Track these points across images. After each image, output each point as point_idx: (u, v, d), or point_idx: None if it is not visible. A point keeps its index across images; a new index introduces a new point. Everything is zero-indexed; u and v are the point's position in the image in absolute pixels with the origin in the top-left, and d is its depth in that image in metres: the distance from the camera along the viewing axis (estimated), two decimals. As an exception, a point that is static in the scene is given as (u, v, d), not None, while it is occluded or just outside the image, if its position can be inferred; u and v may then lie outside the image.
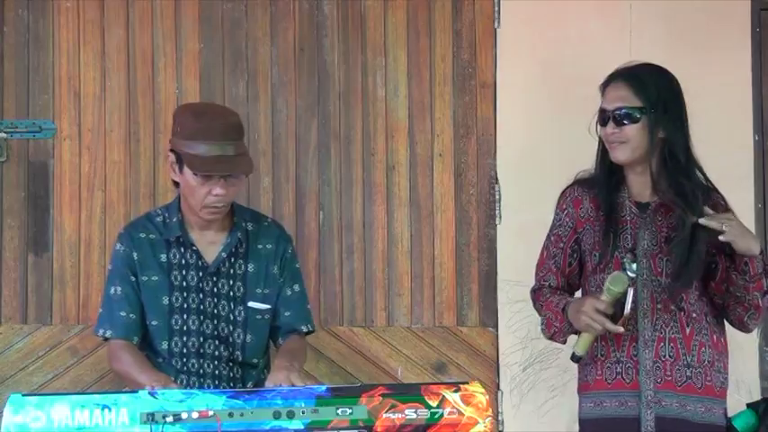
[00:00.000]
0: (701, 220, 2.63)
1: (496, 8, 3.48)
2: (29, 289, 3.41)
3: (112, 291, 2.77)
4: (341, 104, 3.46)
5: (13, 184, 3.43)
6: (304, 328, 2.82)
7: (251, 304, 2.77)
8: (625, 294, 2.60)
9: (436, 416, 2.15)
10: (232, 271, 2.78)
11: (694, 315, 2.72)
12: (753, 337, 3.45)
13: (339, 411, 2.14)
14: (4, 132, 3.43)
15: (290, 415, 2.12)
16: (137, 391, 2.15)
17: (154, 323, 2.76)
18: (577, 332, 2.72)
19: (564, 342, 2.83)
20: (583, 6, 3.50)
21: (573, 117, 3.41)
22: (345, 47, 3.48)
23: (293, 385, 2.39)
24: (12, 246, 3.42)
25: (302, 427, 2.13)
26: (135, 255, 2.77)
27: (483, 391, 2.21)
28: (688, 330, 2.72)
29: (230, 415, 2.11)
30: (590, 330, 2.64)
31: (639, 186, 2.80)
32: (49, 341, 3.38)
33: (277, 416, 2.12)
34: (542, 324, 2.81)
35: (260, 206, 3.32)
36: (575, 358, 2.71)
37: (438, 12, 3.49)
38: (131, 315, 2.75)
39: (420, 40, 3.49)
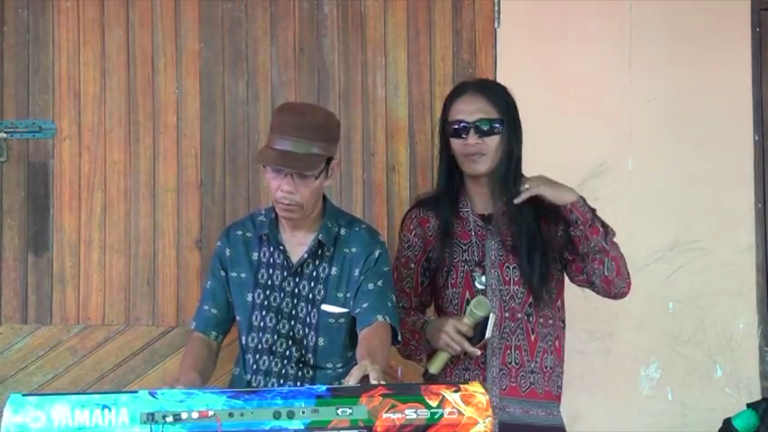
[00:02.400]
0: (516, 200, 2.71)
1: (496, 8, 3.48)
2: (29, 289, 3.41)
3: (207, 285, 2.86)
4: (341, 104, 3.46)
5: (13, 184, 3.44)
6: (380, 318, 2.66)
7: (324, 307, 2.75)
8: (487, 318, 2.69)
9: (436, 416, 2.15)
10: (315, 273, 2.76)
11: (541, 320, 2.81)
12: (753, 337, 3.46)
13: (339, 411, 2.14)
14: (4, 132, 3.43)
15: (290, 415, 2.12)
16: (137, 392, 2.15)
17: (238, 318, 2.82)
18: (434, 351, 2.79)
19: (420, 360, 2.91)
20: (583, 6, 3.50)
21: (572, 117, 3.43)
22: (345, 47, 3.48)
23: (367, 378, 2.30)
24: (12, 246, 3.42)
25: (302, 427, 2.12)
26: (228, 251, 2.82)
27: (483, 391, 2.20)
28: (533, 337, 2.81)
29: (230, 415, 2.11)
30: (448, 350, 2.73)
31: (482, 198, 2.87)
32: (49, 341, 3.39)
33: (277, 416, 2.12)
34: (399, 343, 2.84)
35: (260, 206, 3.31)
36: (427, 376, 2.78)
37: (438, 12, 3.49)
38: (213, 310, 2.82)
39: (420, 40, 3.49)
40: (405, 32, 3.49)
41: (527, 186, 2.70)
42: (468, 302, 2.76)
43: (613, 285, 2.79)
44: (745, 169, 3.49)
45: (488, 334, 2.69)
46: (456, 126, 2.80)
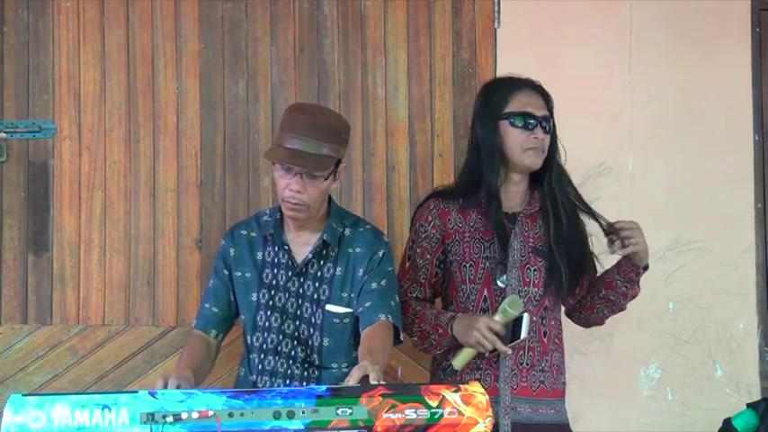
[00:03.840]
0: (620, 252, 2.77)
1: (496, 8, 3.48)
2: (29, 289, 3.41)
3: (209, 284, 2.88)
4: (341, 104, 3.46)
5: (13, 184, 3.43)
6: (383, 317, 2.68)
7: (328, 307, 2.76)
8: (519, 318, 2.67)
9: (436, 416, 2.15)
10: (320, 273, 2.77)
11: (552, 323, 2.84)
12: (753, 337, 3.46)
13: (339, 411, 2.14)
14: (4, 132, 3.43)
15: (290, 415, 2.12)
16: (137, 392, 2.15)
17: (243, 317, 2.83)
18: (458, 346, 2.78)
19: (439, 354, 2.87)
20: (582, 6, 3.50)
21: (572, 117, 3.42)
22: (345, 47, 3.48)
23: (367, 378, 2.30)
24: (12, 246, 3.42)
25: (302, 427, 2.12)
26: (232, 251, 2.84)
27: (483, 391, 2.21)
28: (545, 339, 2.82)
29: (230, 415, 2.11)
30: (478, 347, 2.71)
31: (510, 197, 2.87)
32: (49, 341, 3.38)
33: (277, 416, 2.12)
34: (416, 336, 2.85)
35: (260, 206, 3.32)
36: (449, 371, 2.78)
37: (438, 12, 3.49)
38: (214, 308, 2.83)
39: (420, 40, 3.49)
40: (405, 32, 3.49)
41: (633, 240, 2.75)
42: (485, 299, 2.77)
43: (600, 323, 2.96)
44: (745, 169, 3.49)
45: (524, 334, 2.67)
46: (522, 119, 2.80)
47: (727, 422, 2.95)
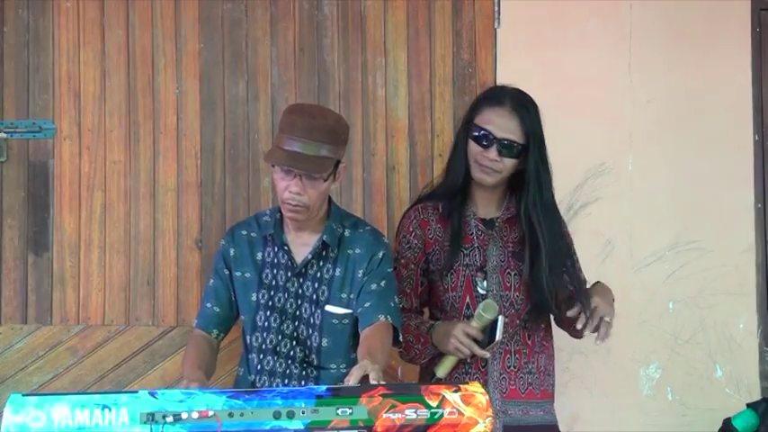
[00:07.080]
0: (599, 341, 2.77)
1: (496, 8, 3.48)
2: (29, 289, 3.41)
3: (209, 283, 2.87)
4: (341, 104, 3.46)
5: (13, 184, 3.43)
6: (382, 318, 2.67)
7: (328, 308, 2.76)
8: (495, 321, 2.67)
9: (436, 416, 2.16)
10: (319, 274, 2.77)
11: (533, 326, 2.84)
12: (753, 337, 3.46)
13: (339, 411, 2.14)
14: (4, 132, 3.43)
15: (290, 415, 2.12)
16: (137, 392, 2.15)
17: (243, 318, 2.83)
18: (440, 354, 2.78)
19: (424, 363, 2.88)
20: (582, 6, 3.50)
21: (573, 117, 3.43)
22: (345, 47, 3.48)
23: (367, 378, 2.30)
24: (12, 246, 3.42)
25: (302, 427, 2.12)
26: (232, 251, 2.83)
27: (483, 391, 2.21)
28: (530, 341, 2.84)
29: (230, 415, 2.11)
30: (457, 354, 2.72)
31: (485, 203, 2.87)
32: (49, 341, 3.38)
33: (277, 416, 2.12)
34: (401, 347, 2.84)
35: (260, 206, 3.32)
36: (434, 380, 2.77)
37: (438, 12, 3.49)
38: (215, 308, 2.82)
39: (420, 40, 3.49)
40: (405, 32, 3.49)
41: (606, 319, 2.74)
42: (467, 306, 2.78)
43: (576, 338, 2.89)
44: (745, 169, 3.49)
45: (498, 336, 2.68)
46: (480, 133, 2.78)
47: (727, 422, 2.96)
